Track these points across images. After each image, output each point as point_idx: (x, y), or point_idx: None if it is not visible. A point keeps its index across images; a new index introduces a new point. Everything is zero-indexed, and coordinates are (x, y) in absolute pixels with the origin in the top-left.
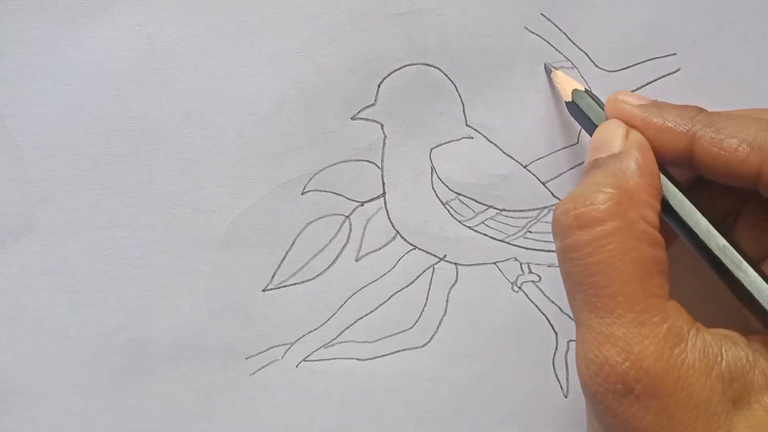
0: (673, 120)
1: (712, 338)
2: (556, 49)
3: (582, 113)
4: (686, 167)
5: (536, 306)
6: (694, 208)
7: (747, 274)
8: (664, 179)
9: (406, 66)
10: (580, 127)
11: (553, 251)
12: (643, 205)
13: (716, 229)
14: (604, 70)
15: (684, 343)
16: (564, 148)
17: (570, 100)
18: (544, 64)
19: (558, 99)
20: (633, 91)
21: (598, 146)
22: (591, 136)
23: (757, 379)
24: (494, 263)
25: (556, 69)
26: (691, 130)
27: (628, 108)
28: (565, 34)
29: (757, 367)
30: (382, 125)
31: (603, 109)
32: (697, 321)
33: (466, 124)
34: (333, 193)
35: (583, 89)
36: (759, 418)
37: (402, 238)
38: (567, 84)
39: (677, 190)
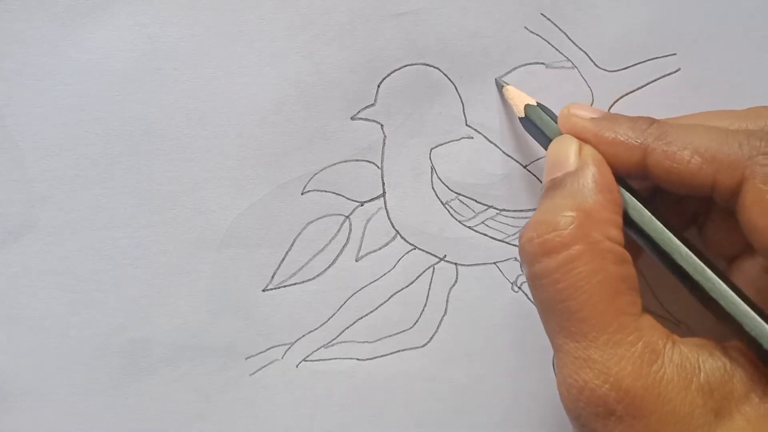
0: (625, 133)
1: (688, 350)
2: (556, 49)
3: (536, 128)
4: (643, 179)
5: (536, 306)
6: (654, 218)
7: (711, 282)
8: (623, 191)
9: (405, 66)
10: None
11: None
12: (605, 223)
13: (678, 237)
14: (605, 70)
15: (661, 359)
16: None
17: (523, 115)
18: (495, 80)
19: (510, 115)
20: (633, 91)
21: (553, 164)
22: (545, 148)
23: (737, 388)
24: (494, 263)
25: (507, 84)
26: (643, 144)
27: (580, 122)
28: (565, 34)
29: (735, 376)
30: (381, 125)
31: (555, 123)
32: (675, 331)
33: (466, 124)
34: (333, 193)
35: (535, 103)
36: (741, 428)
37: (402, 238)
38: (519, 99)
39: (636, 201)
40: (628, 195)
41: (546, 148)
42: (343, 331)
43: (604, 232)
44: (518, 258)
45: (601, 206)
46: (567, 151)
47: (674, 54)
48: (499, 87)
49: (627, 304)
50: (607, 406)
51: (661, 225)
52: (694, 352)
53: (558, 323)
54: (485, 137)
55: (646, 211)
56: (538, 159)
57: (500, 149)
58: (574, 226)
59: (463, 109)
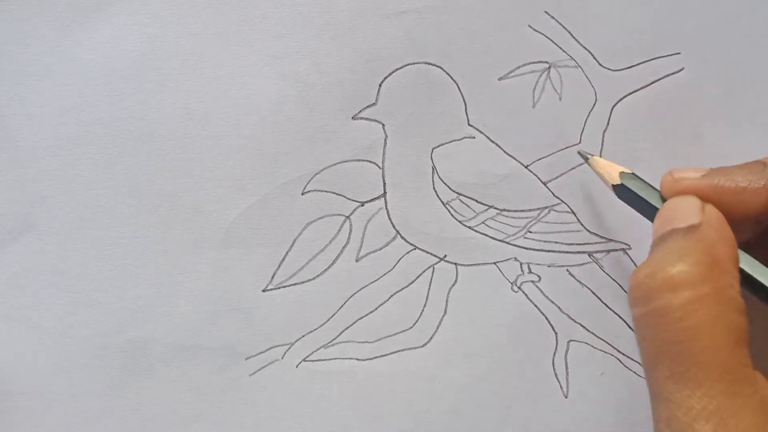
0: (744, 179)
1: None
2: (560, 48)
3: (634, 195)
4: (754, 226)
5: (536, 306)
6: None
7: None
8: (740, 251)
9: (407, 65)
10: (582, 127)
11: (552, 251)
12: (729, 273)
13: None
14: (608, 69)
15: None
16: (565, 148)
17: (618, 183)
18: (578, 152)
19: (593, 183)
20: (637, 90)
21: (673, 217)
22: (647, 216)
23: None
24: (494, 263)
25: (592, 155)
26: (767, 184)
27: (693, 183)
28: (569, 32)
29: None
30: (383, 125)
31: (654, 189)
32: None
33: (468, 124)
34: (333, 193)
35: (630, 171)
36: None
37: (402, 238)
38: (610, 168)
39: (755, 259)
40: (745, 254)
41: (646, 214)
42: (343, 331)
43: (729, 281)
44: (518, 258)
45: (726, 257)
46: (690, 207)
47: (678, 53)
48: (585, 158)
49: (744, 355)
50: None
51: None
52: None
53: (670, 367)
54: (487, 137)
55: (759, 263)
56: (540, 159)
57: (502, 149)
58: (703, 266)
59: (465, 109)
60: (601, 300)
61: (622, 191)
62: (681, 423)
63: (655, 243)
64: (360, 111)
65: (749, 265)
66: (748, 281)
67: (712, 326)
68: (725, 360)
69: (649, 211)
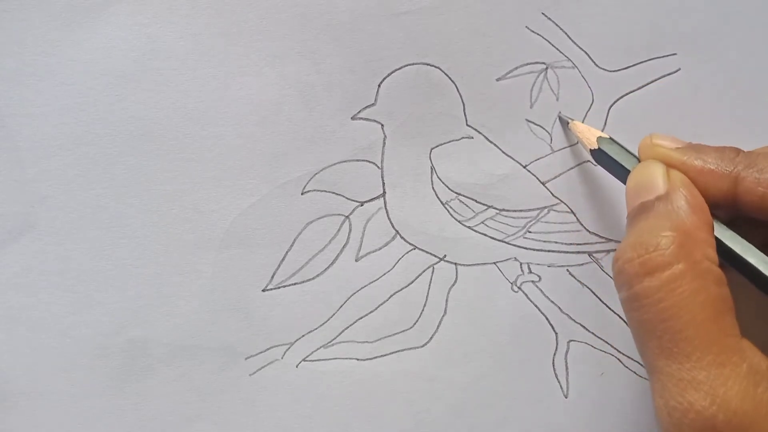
0: (714, 162)
1: None
2: (557, 49)
3: (610, 159)
4: (725, 209)
5: (536, 306)
6: (745, 241)
7: None
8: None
9: (406, 66)
10: None
11: (552, 251)
12: (703, 243)
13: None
14: (605, 69)
15: (766, 381)
16: (564, 148)
17: (596, 147)
18: (559, 116)
19: (572, 144)
20: (634, 90)
21: (639, 189)
22: (622, 181)
23: None
24: (494, 263)
25: (572, 119)
26: (733, 172)
27: (665, 152)
28: (566, 33)
29: None
30: (382, 125)
31: (630, 153)
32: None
33: (467, 124)
34: (333, 193)
35: (608, 136)
36: None
37: (402, 238)
38: (589, 132)
39: (725, 226)
40: (717, 220)
41: (621, 179)
42: (343, 331)
43: (704, 252)
44: (518, 258)
45: (697, 227)
46: (655, 175)
47: (674, 54)
48: (564, 122)
49: (728, 325)
50: (715, 428)
51: (752, 246)
52: None
53: (658, 345)
54: (485, 137)
55: (735, 234)
56: (538, 159)
57: (500, 149)
58: (675, 245)
59: (464, 109)
60: (601, 300)
61: (599, 156)
62: (672, 393)
63: (628, 219)
64: (359, 111)
65: (721, 231)
66: (721, 250)
67: (692, 302)
68: (709, 332)
69: (625, 175)
